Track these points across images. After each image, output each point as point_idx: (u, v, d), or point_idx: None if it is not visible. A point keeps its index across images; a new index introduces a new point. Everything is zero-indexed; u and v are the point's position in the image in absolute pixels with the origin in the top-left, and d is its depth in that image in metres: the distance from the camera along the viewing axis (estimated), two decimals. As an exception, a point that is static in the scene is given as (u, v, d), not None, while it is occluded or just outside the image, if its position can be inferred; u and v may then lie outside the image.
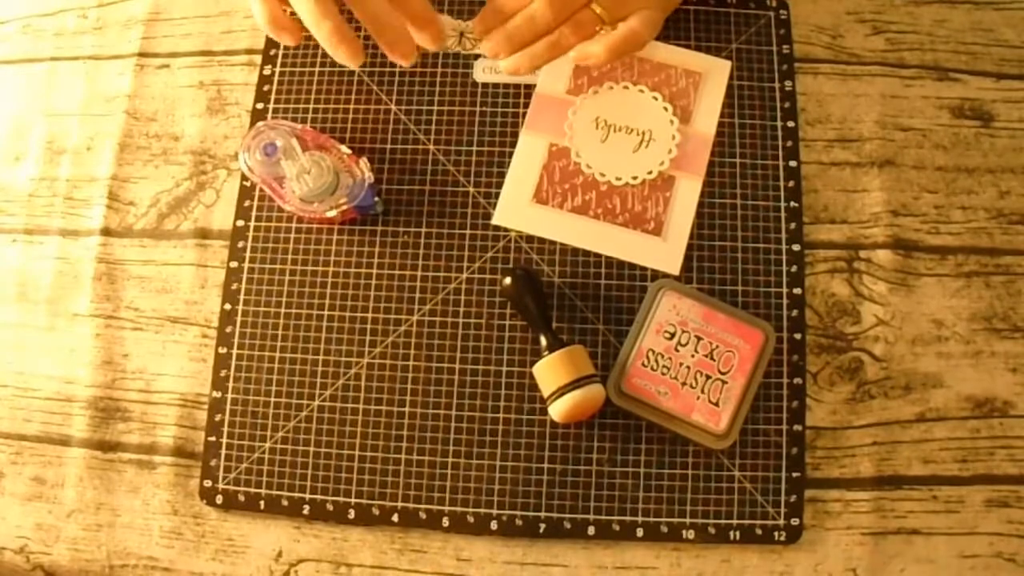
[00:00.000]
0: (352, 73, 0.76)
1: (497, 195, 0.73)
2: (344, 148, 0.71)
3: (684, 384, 0.65)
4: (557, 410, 0.63)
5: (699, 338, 0.66)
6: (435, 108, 0.75)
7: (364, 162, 0.70)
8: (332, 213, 0.69)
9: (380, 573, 0.66)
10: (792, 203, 0.71)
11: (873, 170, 0.72)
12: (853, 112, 0.74)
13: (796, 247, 0.70)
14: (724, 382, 0.65)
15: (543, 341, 0.65)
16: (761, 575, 0.65)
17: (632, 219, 0.71)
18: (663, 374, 0.65)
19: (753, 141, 0.73)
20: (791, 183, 0.72)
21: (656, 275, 0.70)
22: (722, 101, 0.74)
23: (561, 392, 0.63)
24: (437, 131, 0.74)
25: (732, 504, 0.66)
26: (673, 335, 0.66)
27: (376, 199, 0.71)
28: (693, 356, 0.66)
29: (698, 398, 0.65)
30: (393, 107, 0.75)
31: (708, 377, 0.65)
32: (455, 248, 0.71)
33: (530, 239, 0.71)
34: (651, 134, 0.73)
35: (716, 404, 0.65)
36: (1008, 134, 0.73)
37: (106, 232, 0.75)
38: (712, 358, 0.66)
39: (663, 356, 0.66)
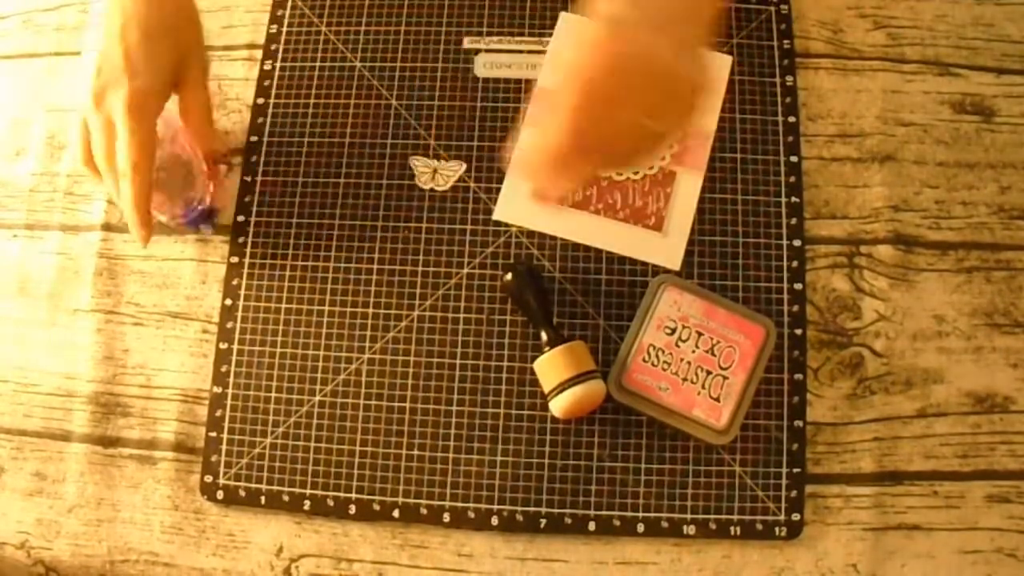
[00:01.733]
0: (352, 68, 0.76)
1: (498, 191, 0.72)
2: (203, 167, 0.71)
3: (685, 380, 0.65)
4: (558, 406, 0.63)
5: (700, 334, 0.66)
6: (435, 103, 0.75)
7: (210, 186, 0.71)
8: (163, 219, 0.70)
9: (381, 568, 0.66)
10: (793, 198, 0.71)
11: (874, 165, 0.72)
12: (854, 107, 0.74)
13: (797, 242, 0.70)
14: (725, 378, 0.65)
15: (544, 336, 0.65)
16: (762, 571, 0.65)
17: (633, 214, 0.71)
18: (664, 370, 0.65)
19: (754, 136, 0.73)
20: (792, 178, 0.72)
21: (657, 271, 0.70)
22: (723, 96, 0.73)
23: (562, 388, 0.63)
24: (438, 126, 0.74)
25: (733, 500, 0.66)
26: (674, 331, 0.66)
27: (203, 226, 0.72)
28: (694, 352, 0.66)
29: (699, 394, 0.65)
30: (394, 102, 0.75)
31: (709, 373, 0.65)
32: (455, 244, 0.71)
33: (531, 234, 0.71)
34: (652, 129, 0.73)
35: (717, 400, 0.65)
36: (1009, 129, 0.73)
37: (107, 227, 0.75)
38: (713, 354, 0.66)
39: (664, 352, 0.66)
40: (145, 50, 0.62)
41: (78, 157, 0.67)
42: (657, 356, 0.66)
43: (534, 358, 0.66)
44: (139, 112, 0.62)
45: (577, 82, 0.52)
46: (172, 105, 0.76)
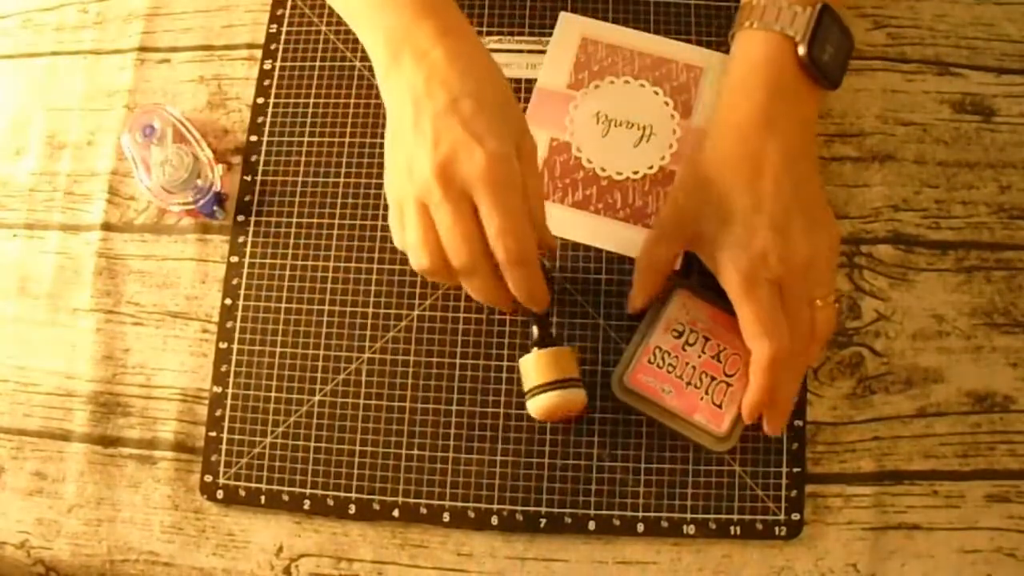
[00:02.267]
0: (352, 67, 0.76)
1: (498, 190, 0.72)
2: (208, 151, 0.72)
3: (689, 384, 0.65)
4: (533, 407, 0.62)
5: (707, 339, 0.66)
6: (436, 103, 0.75)
7: (219, 170, 0.72)
8: (176, 208, 0.71)
9: (380, 568, 0.66)
10: (793, 198, 0.71)
11: (874, 165, 0.72)
12: (854, 107, 0.74)
13: (797, 242, 0.70)
14: (729, 384, 0.65)
15: (535, 334, 0.63)
16: (762, 570, 0.65)
17: (633, 214, 0.71)
18: (668, 372, 0.65)
19: (754, 136, 0.72)
20: (792, 178, 0.71)
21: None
22: (723, 96, 0.73)
23: (542, 390, 0.61)
24: (438, 126, 0.74)
25: (733, 499, 0.66)
26: (681, 334, 0.66)
27: (216, 208, 0.73)
28: (700, 356, 0.65)
29: (701, 399, 0.64)
30: (394, 102, 0.75)
31: (713, 379, 0.65)
32: (456, 243, 0.71)
33: (531, 234, 0.71)
34: (652, 129, 0.73)
35: (719, 406, 0.64)
36: (1009, 129, 0.73)
37: (107, 227, 0.75)
38: (719, 360, 0.65)
39: (670, 354, 0.65)
40: (486, 119, 0.55)
41: (420, 262, 0.56)
42: (663, 358, 0.65)
43: (533, 357, 0.66)
44: (506, 180, 0.54)
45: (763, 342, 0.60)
46: (163, 98, 0.76)
